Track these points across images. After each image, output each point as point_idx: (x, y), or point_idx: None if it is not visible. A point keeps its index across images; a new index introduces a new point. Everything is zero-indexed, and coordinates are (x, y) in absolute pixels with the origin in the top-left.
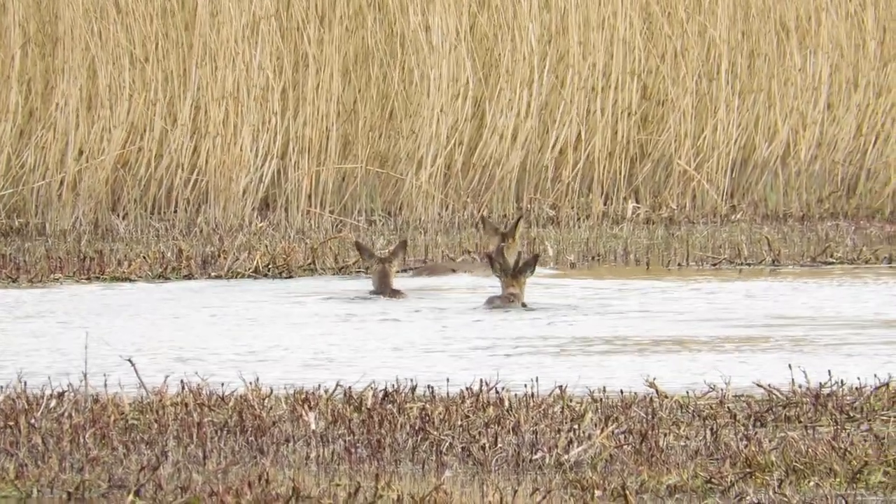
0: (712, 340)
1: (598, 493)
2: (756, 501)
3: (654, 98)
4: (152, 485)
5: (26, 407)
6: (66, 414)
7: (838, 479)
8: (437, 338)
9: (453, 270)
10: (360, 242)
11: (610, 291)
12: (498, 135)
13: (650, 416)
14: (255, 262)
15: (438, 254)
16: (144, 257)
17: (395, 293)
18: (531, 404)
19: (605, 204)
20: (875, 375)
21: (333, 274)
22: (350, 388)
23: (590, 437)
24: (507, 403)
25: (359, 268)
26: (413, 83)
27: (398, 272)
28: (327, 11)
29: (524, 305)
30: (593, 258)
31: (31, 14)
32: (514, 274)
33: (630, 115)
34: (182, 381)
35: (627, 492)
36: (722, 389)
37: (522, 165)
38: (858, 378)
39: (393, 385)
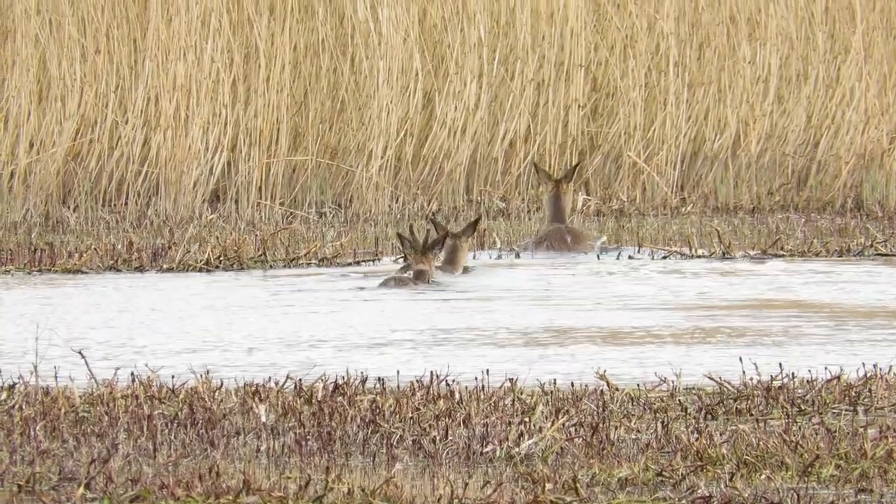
0: (664, 331)
1: (549, 485)
2: (707, 495)
3: (604, 90)
4: (103, 477)
5: None
6: (16, 406)
7: (790, 473)
8: (380, 325)
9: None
10: (434, 218)
11: (560, 282)
12: (447, 127)
13: (601, 409)
14: (206, 255)
15: (388, 246)
16: (95, 249)
17: (465, 270)
18: (482, 397)
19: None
20: (826, 368)
21: (284, 266)
22: (300, 380)
23: (540, 430)
24: (457, 396)
25: (309, 260)
26: (363, 75)
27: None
28: (277, 3)
29: (431, 281)
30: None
31: None
32: (423, 251)
33: (580, 107)
34: (132, 374)
35: (578, 485)
36: (673, 382)
37: (472, 157)
38: (809, 371)
39: (343, 377)
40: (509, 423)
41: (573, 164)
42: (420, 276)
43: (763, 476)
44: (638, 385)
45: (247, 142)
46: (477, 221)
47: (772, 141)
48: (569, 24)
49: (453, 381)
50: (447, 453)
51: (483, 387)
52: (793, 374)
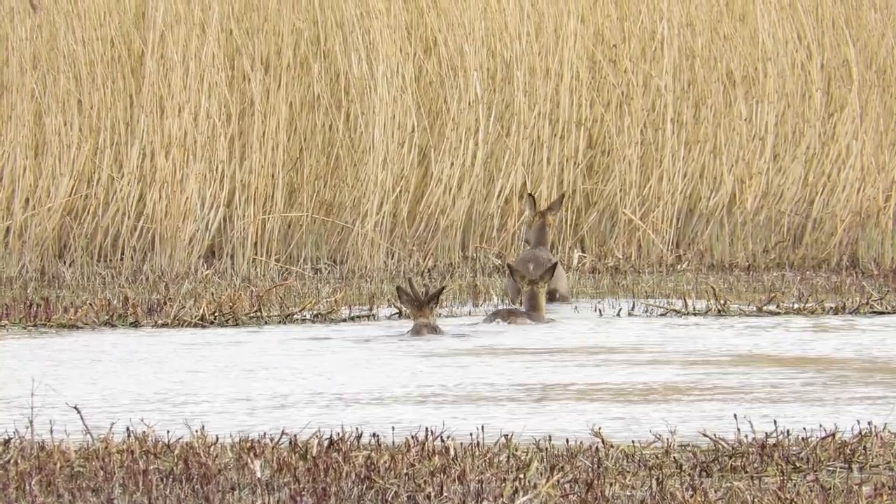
0: (660, 388)
1: None
2: None
3: (600, 147)
4: None
5: None
6: (11, 461)
7: None
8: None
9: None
10: (511, 264)
11: (555, 338)
12: (443, 183)
13: (596, 466)
14: (201, 310)
15: (384, 302)
16: (91, 304)
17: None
18: (477, 453)
19: (550, 253)
20: (821, 425)
21: (279, 322)
22: (295, 435)
23: (535, 487)
24: (452, 452)
25: (304, 315)
26: (358, 131)
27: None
28: (273, 60)
29: (437, 331)
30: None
31: None
32: (421, 304)
33: (576, 164)
34: (128, 429)
35: None
36: (668, 439)
37: (468, 214)
38: (804, 428)
39: (338, 433)
40: (504, 479)
41: (559, 194)
42: (421, 330)
43: None
44: (633, 442)
45: (242, 198)
46: (554, 266)
47: (767, 198)
48: (564, 80)
49: (448, 437)
50: None
51: (478, 443)
52: (787, 431)
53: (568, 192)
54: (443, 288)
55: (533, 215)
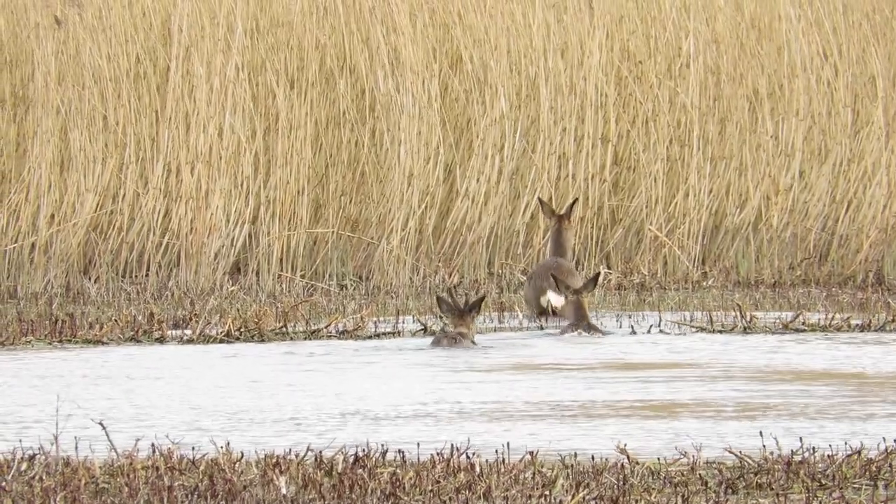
0: (686, 405)
1: None
2: None
3: (625, 163)
4: None
5: None
6: (36, 477)
7: None
8: (409, 397)
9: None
10: (556, 275)
11: (582, 354)
12: (469, 199)
13: (621, 483)
14: (227, 326)
15: (409, 317)
16: (116, 320)
17: (592, 328)
18: (502, 470)
19: (576, 269)
20: (846, 442)
21: (305, 338)
22: (321, 452)
23: (561, 503)
24: (477, 469)
25: (331, 332)
26: (384, 147)
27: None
28: (298, 76)
29: (473, 343)
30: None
31: (3, 77)
32: (461, 313)
33: (601, 180)
34: (153, 445)
35: None
36: (693, 456)
37: (494, 230)
38: (830, 445)
39: (363, 449)
40: (529, 496)
41: (572, 200)
42: (459, 339)
43: None
44: (658, 459)
45: (268, 214)
46: (597, 276)
47: (794, 215)
48: (589, 96)
49: (474, 453)
50: None
51: (503, 460)
52: (813, 448)
53: (594, 209)
54: (483, 297)
55: (549, 220)
